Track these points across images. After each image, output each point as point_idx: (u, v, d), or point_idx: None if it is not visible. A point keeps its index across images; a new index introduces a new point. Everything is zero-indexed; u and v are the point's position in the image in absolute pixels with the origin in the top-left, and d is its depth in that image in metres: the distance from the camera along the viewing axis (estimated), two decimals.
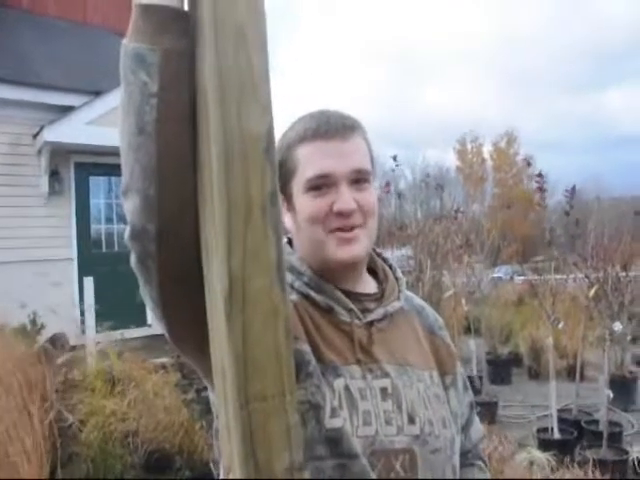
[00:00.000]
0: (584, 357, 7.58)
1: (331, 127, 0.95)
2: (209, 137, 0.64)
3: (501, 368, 7.60)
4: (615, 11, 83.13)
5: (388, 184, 6.75)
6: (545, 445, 4.79)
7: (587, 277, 5.52)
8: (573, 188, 5.66)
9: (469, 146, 35.14)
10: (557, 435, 4.96)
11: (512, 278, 15.65)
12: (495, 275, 17.04)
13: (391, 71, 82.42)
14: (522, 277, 14.28)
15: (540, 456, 4.48)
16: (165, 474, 3.72)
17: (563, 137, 77.83)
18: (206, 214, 0.68)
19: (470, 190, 29.94)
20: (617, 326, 5.29)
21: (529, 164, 18.43)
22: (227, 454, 0.70)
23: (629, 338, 9.40)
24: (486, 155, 34.86)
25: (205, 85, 0.65)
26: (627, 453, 4.56)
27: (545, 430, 5.09)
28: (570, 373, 7.06)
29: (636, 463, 4.52)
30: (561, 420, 5.17)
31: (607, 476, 4.03)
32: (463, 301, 6.93)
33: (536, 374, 7.60)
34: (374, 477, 0.85)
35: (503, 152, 34.22)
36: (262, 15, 0.65)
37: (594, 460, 4.14)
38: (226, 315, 0.62)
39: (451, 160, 35.45)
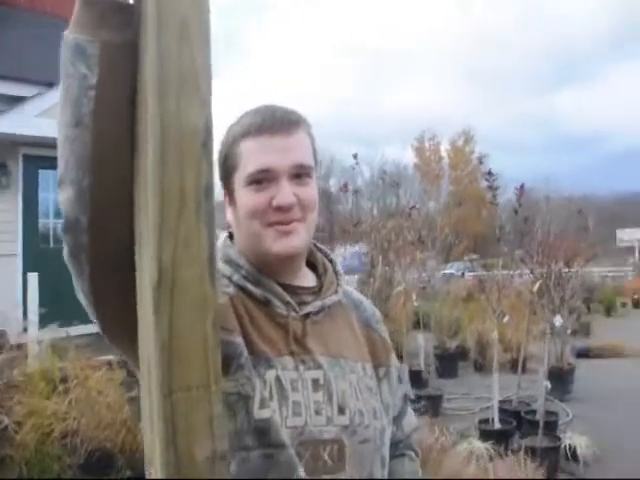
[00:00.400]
0: (528, 350, 7.89)
1: (276, 122, 0.95)
2: (147, 129, 0.64)
3: (448, 362, 7.83)
4: (571, 15, 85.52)
5: (346, 185, 6.85)
6: (486, 435, 5.00)
7: (532, 272, 5.76)
8: (522, 187, 5.88)
9: (427, 144, 35.75)
10: (497, 425, 5.18)
11: (463, 274, 16.05)
12: (447, 271, 17.48)
13: (353, 69, 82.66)
14: (472, 273, 14.64)
15: (480, 446, 4.68)
16: (106, 474, 3.66)
17: (519, 137, 79.58)
18: (140, 205, 0.68)
19: (427, 187, 30.49)
20: (558, 320, 5.55)
21: (481, 162, 18.85)
22: (149, 444, 0.70)
23: (569, 331, 9.84)
24: (443, 153, 35.56)
25: (146, 77, 0.65)
26: (560, 440, 4.82)
27: (486, 421, 5.30)
28: (514, 366, 7.32)
29: (567, 449, 4.80)
30: (502, 411, 5.38)
31: (539, 462, 4.26)
32: (413, 296, 7.12)
33: (481, 367, 7.88)
34: (301, 467, 0.87)
35: (460, 150, 34.94)
36: (206, 9, 0.65)
37: (527, 447, 4.37)
38: (154, 304, 0.62)
39: (409, 158, 36.01)
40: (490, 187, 5.79)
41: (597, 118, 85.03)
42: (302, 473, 0.87)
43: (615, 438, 5.51)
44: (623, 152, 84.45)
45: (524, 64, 79.36)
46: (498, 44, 77.76)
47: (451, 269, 18.08)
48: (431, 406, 6.09)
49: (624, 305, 16.43)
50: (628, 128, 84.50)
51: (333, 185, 31.23)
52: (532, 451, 4.41)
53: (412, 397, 6.19)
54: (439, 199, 30.10)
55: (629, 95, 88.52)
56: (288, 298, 0.97)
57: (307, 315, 0.97)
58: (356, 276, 8.40)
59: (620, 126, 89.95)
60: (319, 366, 0.95)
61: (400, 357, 6.44)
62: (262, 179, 0.94)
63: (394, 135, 59.88)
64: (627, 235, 31.82)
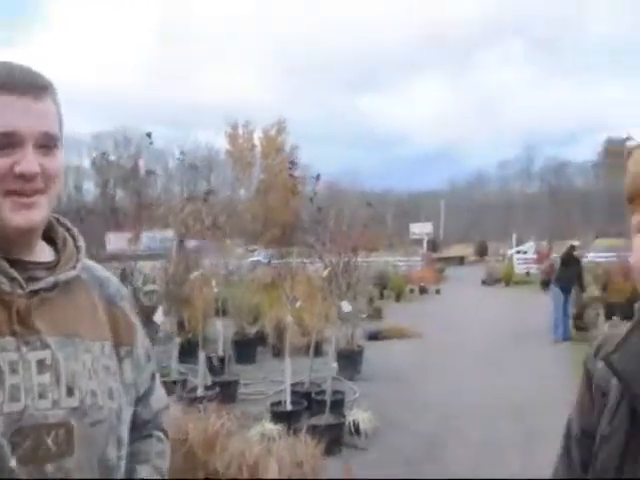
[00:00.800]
0: (323, 334, 8.30)
1: (23, 83, 0.88)
2: None
3: (247, 348, 7.91)
4: (379, 22, 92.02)
5: (137, 164, 6.47)
6: (277, 417, 5.11)
7: (322, 259, 6.00)
8: (317, 176, 6.09)
9: (241, 131, 35.71)
10: (289, 407, 5.32)
11: (270, 262, 16.39)
12: (254, 259, 17.73)
13: (169, 49, 79.59)
14: (278, 261, 15.00)
15: (272, 428, 4.77)
16: None
17: (329, 131, 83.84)
18: None
19: (238, 175, 30.53)
20: (345, 305, 5.87)
21: (292, 153, 19.39)
22: None
23: (364, 315, 10.58)
24: (256, 141, 35.76)
25: None
26: (344, 417, 5.12)
27: (279, 403, 5.42)
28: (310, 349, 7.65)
29: (352, 425, 5.12)
30: (294, 393, 5.57)
31: (324, 439, 4.46)
32: (213, 282, 7.01)
33: (279, 352, 8.06)
34: (13, 457, 0.82)
35: (272, 139, 35.48)
36: None
37: (313, 426, 4.54)
38: None
39: (222, 143, 35.63)
40: (291, 176, 5.92)
41: (398, 121, 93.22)
42: (13, 463, 0.81)
43: (395, 411, 6.02)
44: (420, 154, 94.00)
45: (334, 64, 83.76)
46: (320, 39, 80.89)
47: (258, 256, 18.36)
48: (227, 392, 6.10)
49: (412, 291, 18.17)
50: (425, 133, 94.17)
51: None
52: (318, 429, 4.60)
53: (209, 383, 6.12)
54: (250, 187, 30.35)
55: (427, 103, 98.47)
56: (15, 274, 0.89)
57: (36, 292, 0.91)
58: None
59: (418, 131, 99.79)
60: (46, 346, 0.89)
61: (197, 344, 6.31)
62: (5, 143, 0.87)
63: (208, 120, 59.02)
64: (418, 229, 35.35)
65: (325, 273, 5.82)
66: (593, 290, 12.10)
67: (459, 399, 6.53)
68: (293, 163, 5.98)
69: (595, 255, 19.41)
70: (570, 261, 9.78)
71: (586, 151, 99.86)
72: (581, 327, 10.04)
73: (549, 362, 8.27)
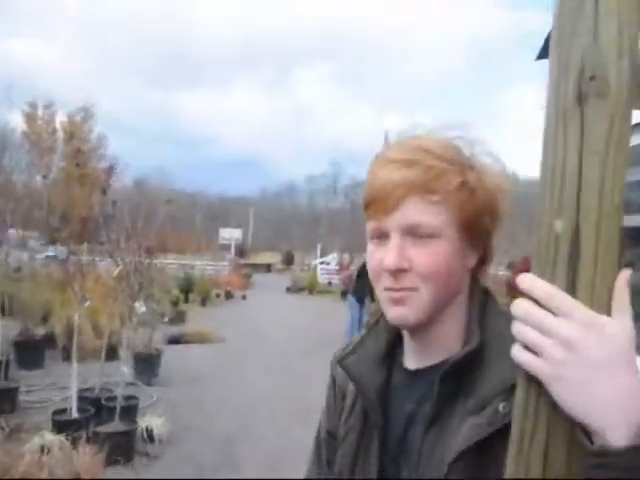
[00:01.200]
0: (120, 336, 7.84)
1: None
2: None
3: (34, 350, 7.16)
4: (200, 24, 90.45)
5: None
6: (62, 426, 4.68)
7: (112, 258, 5.66)
8: (111, 167, 5.75)
9: (40, 112, 32.31)
10: (75, 415, 4.92)
11: (68, 258, 15.09)
12: (50, 254, 16.17)
13: None
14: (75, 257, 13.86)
15: (53, 438, 4.36)
16: None
17: (141, 125, 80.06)
18: None
19: (35, 159, 27.56)
20: (139, 307, 5.61)
21: (100, 143, 18.14)
22: None
23: (166, 319, 10.26)
24: (58, 125, 32.61)
25: None
26: (136, 423, 4.88)
27: (64, 411, 4.98)
28: (107, 352, 7.18)
29: (145, 431, 4.90)
30: (83, 399, 5.18)
31: (112, 447, 4.22)
32: None
33: (69, 355, 7.44)
34: None
35: (77, 126, 32.67)
36: None
37: (102, 434, 4.27)
38: None
39: (17, 122, 31.79)
40: (77, 165, 5.53)
41: (212, 123, 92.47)
42: None
43: (191, 416, 5.92)
44: (231, 159, 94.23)
45: (151, 58, 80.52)
46: (129, 33, 76.84)
47: (54, 252, 16.79)
48: (6, 400, 5.46)
49: (218, 296, 18.09)
50: (237, 139, 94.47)
51: None
52: (105, 436, 4.33)
53: None
54: (49, 174, 27.56)
55: (242, 109, 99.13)
56: None
57: None
58: None
59: (230, 135, 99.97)
60: None
61: None
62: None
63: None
64: (228, 234, 35.39)
65: (116, 272, 5.49)
66: None
67: (256, 403, 6.64)
68: (80, 151, 5.56)
69: None
70: (365, 274, 10.55)
71: None
72: None
73: None
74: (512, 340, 0.58)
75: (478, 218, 0.80)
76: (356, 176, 62.41)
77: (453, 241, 0.79)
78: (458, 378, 0.77)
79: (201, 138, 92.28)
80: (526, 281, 0.56)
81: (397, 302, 0.79)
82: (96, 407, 5.14)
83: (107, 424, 4.72)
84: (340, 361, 0.91)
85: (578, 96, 0.54)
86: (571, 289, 0.54)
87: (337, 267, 26.08)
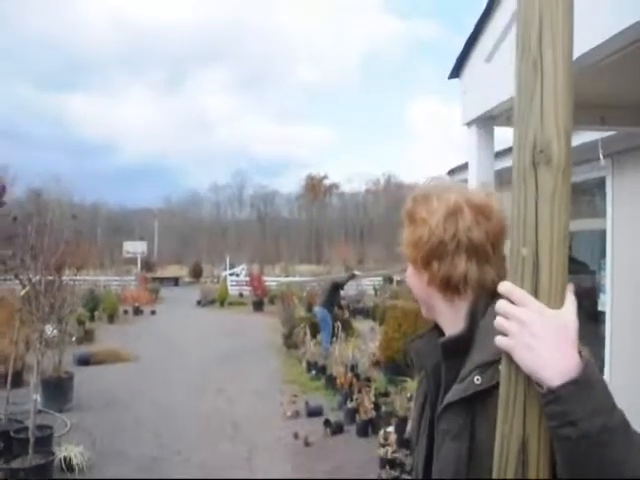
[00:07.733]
0: (25, 362, 7.29)
1: None
2: None
3: None
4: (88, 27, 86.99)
5: None
6: None
7: (18, 278, 5.24)
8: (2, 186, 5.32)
9: None
10: None
11: None
12: None
13: None
14: None
15: None
16: None
17: (29, 131, 75.07)
18: None
19: None
20: (49, 329, 5.23)
21: None
22: None
23: (73, 339, 9.66)
24: None
25: None
26: (54, 454, 4.55)
27: None
28: (6, 380, 6.64)
29: (63, 461, 4.58)
30: None
31: None
32: None
33: None
34: None
35: None
36: None
37: (14, 470, 3.94)
38: None
39: None
40: None
41: (110, 128, 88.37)
42: None
43: (111, 440, 5.60)
44: (131, 168, 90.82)
45: (29, 56, 76.14)
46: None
47: None
48: None
49: (126, 312, 17.33)
50: (136, 147, 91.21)
51: None
52: (24, 472, 4.00)
53: None
54: None
55: (140, 115, 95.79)
56: None
57: None
58: None
59: (128, 143, 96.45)
60: None
61: None
62: None
63: None
64: (132, 247, 34.05)
65: (23, 293, 5.08)
66: (300, 311, 13.22)
67: (177, 422, 6.41)
68: None
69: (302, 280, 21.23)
70: (335, 290, 10.71)
71: (291, 184, 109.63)
72: (290, 345, 10.90)
73: (262, 378, 8.72)
74: (496, 331, 0.80)
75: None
76: (264, 186, 62.65)
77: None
78: (455, 355, 0.98)
79: (98, 146, 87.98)
80: (505, 286, 0.79)
81: None
82: (5, 441, 4.74)
83: (20, 458, 4.36)
84: (409, 343, 1.14)
85: (532, 163, 0.77)
86: (534, 294, 0.77)
87: (247, 278, 25.81)
